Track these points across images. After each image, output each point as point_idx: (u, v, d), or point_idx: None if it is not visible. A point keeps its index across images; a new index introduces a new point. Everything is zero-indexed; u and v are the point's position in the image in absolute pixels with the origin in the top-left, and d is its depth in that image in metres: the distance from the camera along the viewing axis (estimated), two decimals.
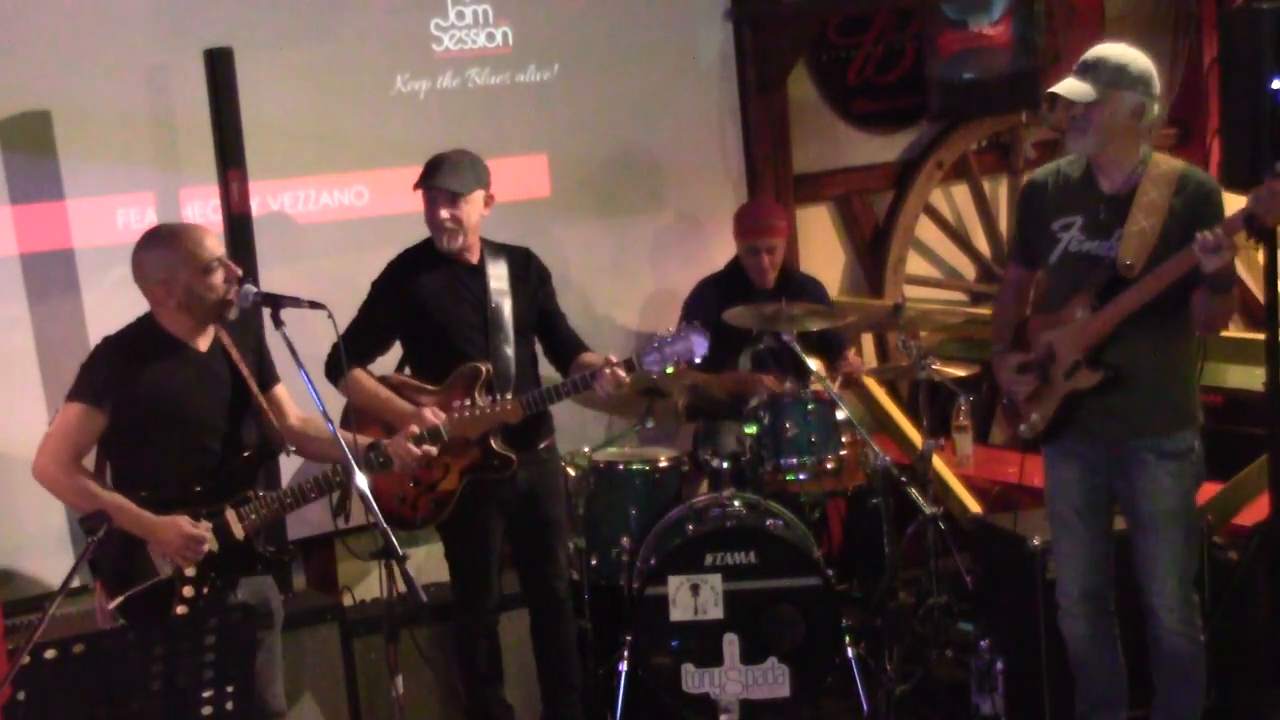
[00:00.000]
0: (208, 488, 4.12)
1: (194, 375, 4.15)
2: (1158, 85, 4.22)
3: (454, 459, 4.75)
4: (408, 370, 4.99)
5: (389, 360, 5.02)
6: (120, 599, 4.03)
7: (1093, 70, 4.18)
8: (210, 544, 4.06)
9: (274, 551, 4.22)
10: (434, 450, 4.41)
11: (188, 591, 4.06)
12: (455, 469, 4.78)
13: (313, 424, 4.37)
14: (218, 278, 4.10)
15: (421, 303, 4.82)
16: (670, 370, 4.77)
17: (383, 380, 4.87)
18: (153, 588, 4.05)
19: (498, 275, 4.89)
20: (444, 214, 4.77)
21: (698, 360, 4.77)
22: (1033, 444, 4.48)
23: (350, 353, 4.77)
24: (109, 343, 4.15)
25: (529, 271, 4.98)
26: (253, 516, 4.14)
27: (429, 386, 4.83)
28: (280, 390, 4.38)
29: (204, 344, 4.18)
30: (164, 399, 4.08)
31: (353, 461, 4.00)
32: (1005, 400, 4.52)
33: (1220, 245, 3.92)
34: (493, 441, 4.76)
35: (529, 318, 4.94)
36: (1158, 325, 4.20)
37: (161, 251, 4.10)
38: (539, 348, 5.07)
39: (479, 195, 4.82)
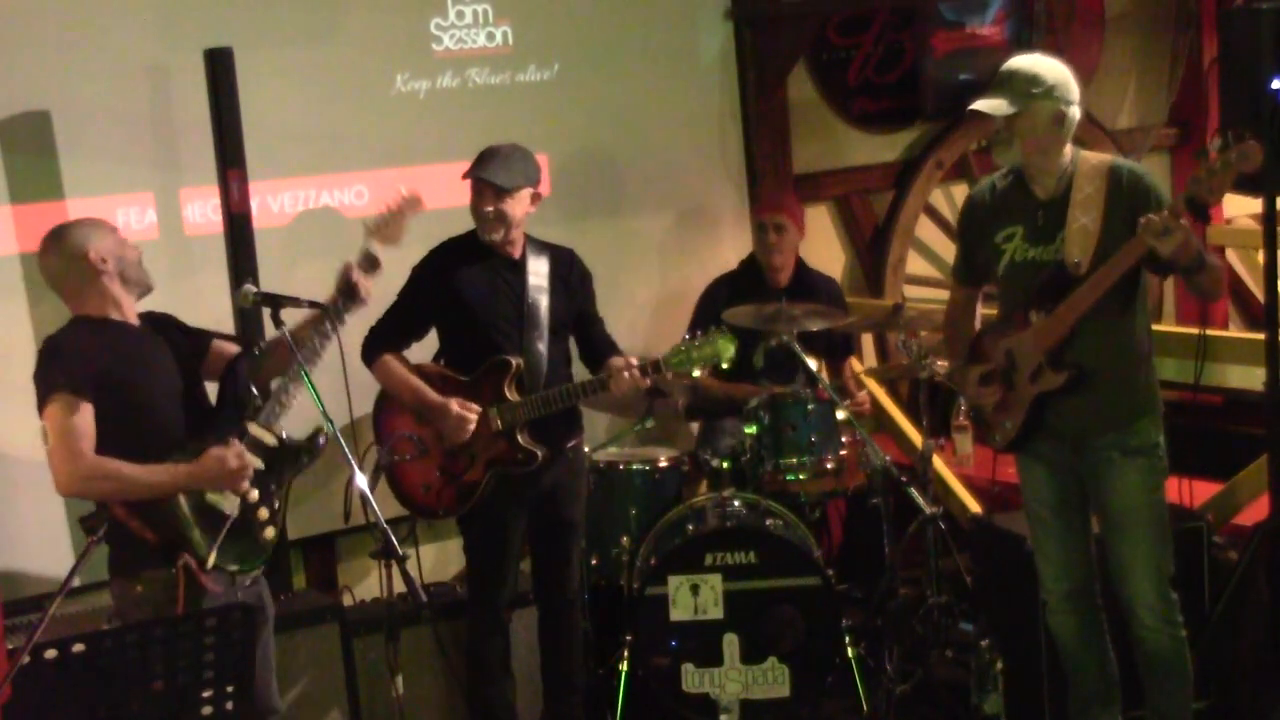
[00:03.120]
0: (217, 420, 4.13)
1: (143, 346, 4.14)
2: (1075, 91, 4.24)
3: (480, 450, 4.76)
4: (443, 360, 5.00)
5: (427, 348, 5.03)
6: (212, 554, 4.00)
7: (1007, 83, 4.22)
8: (255, 462, 4.08)
9: (306, 438, 4.22)
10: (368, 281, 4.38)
11: (262, 514, 4.11)
12: (481, 460, 4.80)
13: (262, 345, 4.38)
14: (130, 249, 4.14)
15: (459, 293, 4.83)
16: (697, 374, 4.84)
17: (416, 369, 4.88)
18: (231, 531, 4.05)
19: (538, 272, 4.91)
20: (488, 208, 4.79)
21: (725, 366, 4.81)
22: (1007, 450, 4.51)
23: (385, 338, 4.84)
24: (52, 338, 4.12)
25: (571, 272, 5.00)
26: (270, 418, 4.16)
27: (459, 377, 4.84)
28: (217, 343, 4.35)
29: (134, 319, 4.18)
30: (126, 372, 4.05)
31: (353, 463, 4.00)
32: (973, 413, 4.56)
33: (1168, 228, 3.94)
34: (519, 436, 4.78)
35: (565, 317, 4.96)
36: (1111, 319, 4.23)
37: (76, 234, 4.09)
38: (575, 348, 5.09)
39: (526, 193, 4.84)
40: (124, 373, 4.05)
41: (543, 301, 4.89)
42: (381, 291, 4.95)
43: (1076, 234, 4.19)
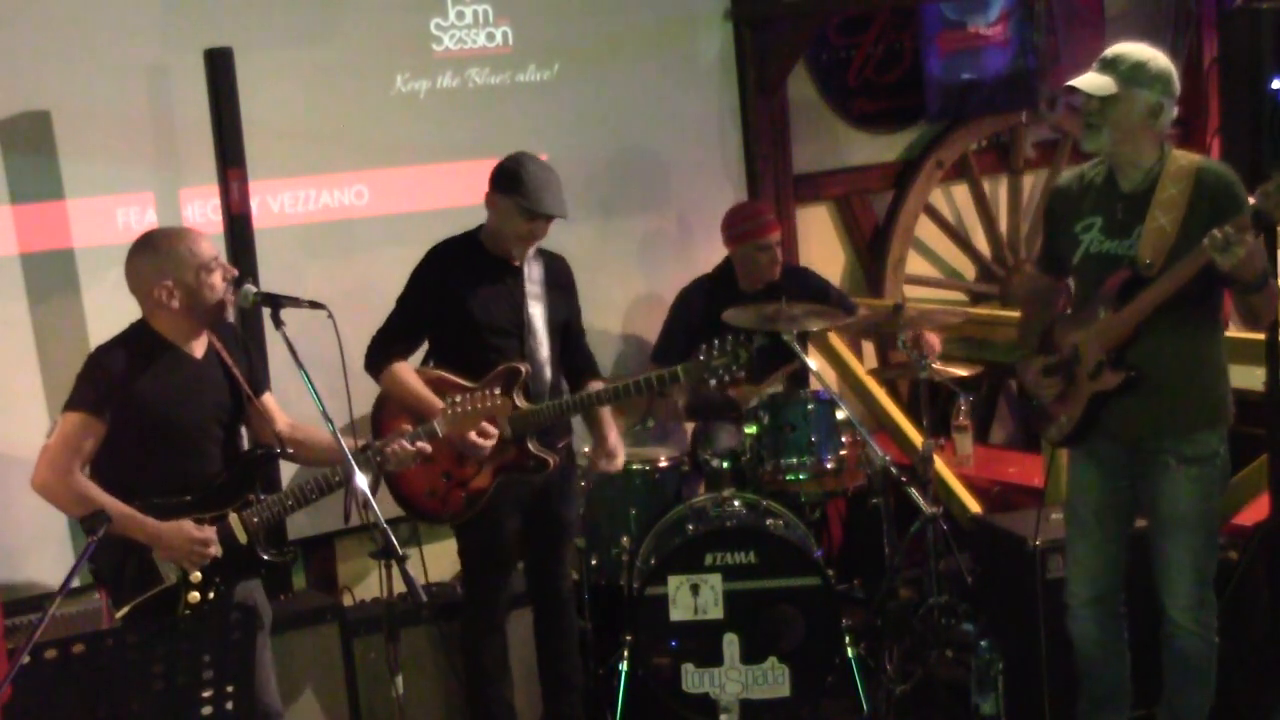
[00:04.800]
0: (209, 493, 4.12)
1: (192, 381, 4.14)
2: (1177, 86, 4.19)
3: (489, 458, 4.75)
4: (431, 363, 4.99)
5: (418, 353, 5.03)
6: (127, 608, 4.02)
7: (1111, 66, 4.16)
8: (215, 548, 4.06)
9: (276, 553, 4.22)
10: (428, 448, 4.41)
11: (193, 597, 4.05)
12: (489, 468, 4.79)
13: (302, 430, 4.39)
14: (216, 277, 4.11)
15: (459, 297, 4.81)
16: (713, 383, 4.87)
17: (419, 374, 4.87)
18: (158, 595, 4.05)
19: (534, 278, 4.91)
20: (540, 233, 4.81)
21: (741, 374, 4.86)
22: (1062, 445, 4.46)
23: (392, 345, 4.83)
24: (105, 350, 4.13)
25: (563, 279, 5.01)
26: (255, 520, 4.14)
27: (466, 383, 4.81)
28: (269, 397, 4.38)
29: (199, 350, 4.18)
30: (163, 405, 4.07)
31: (353, 463, 4.00)
32: (1034, 404, 4.49)
33: (1230, 242, 3.88)
34: (530, 444, 4.79)
35: (559, 323, 4.96)
36: (1179, 324, 4.17)
37: (158, 254, 4.09)
38: None
39: None
40: (159, 402, 4.07)
41: (539, 308, 4.89)
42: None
43: (1153, 234, 4.13)
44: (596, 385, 5.00)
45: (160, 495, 4.05)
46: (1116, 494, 4.37)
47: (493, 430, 4.64)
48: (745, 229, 5.90)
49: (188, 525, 4.04)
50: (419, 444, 4.37)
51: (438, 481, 4.81)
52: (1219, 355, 4.31)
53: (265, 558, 4.17)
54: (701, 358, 4.79)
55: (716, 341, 4.80)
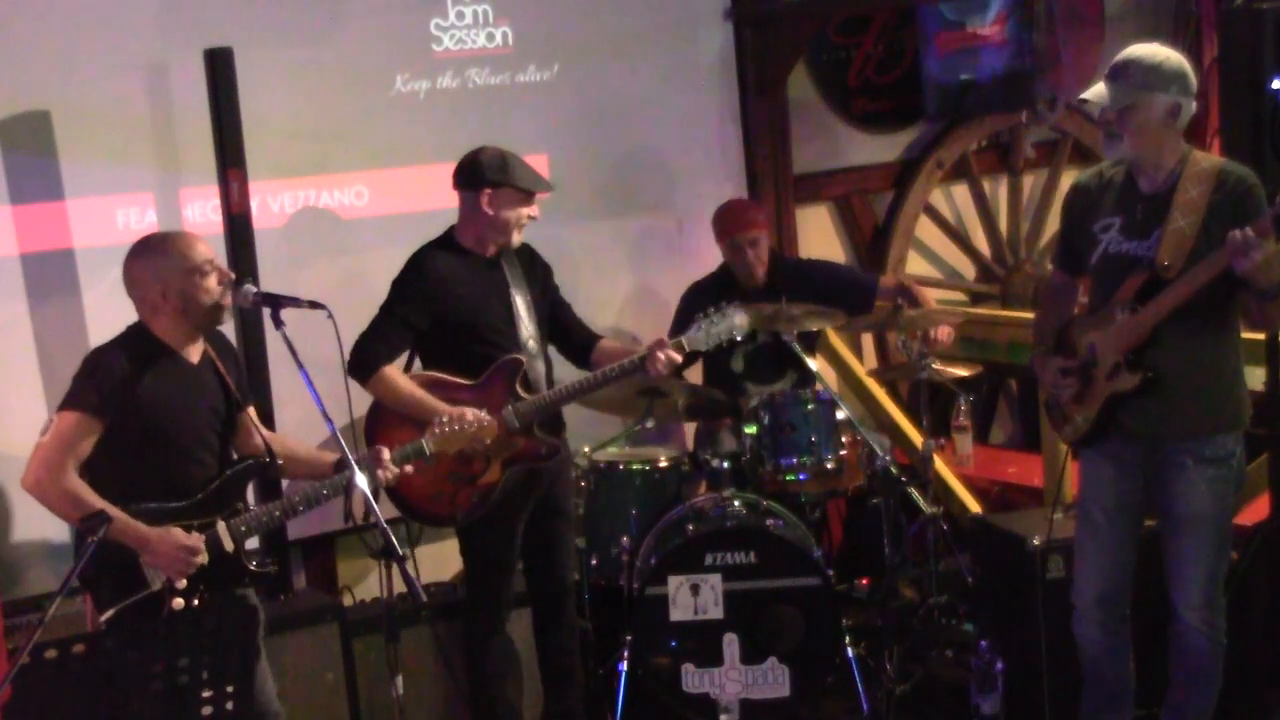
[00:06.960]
0: (199, 500, 4.10)
1: (189, 386, 4.13)
2: (1194, 82, 4.16)
3: (496, 451, 4.74)
4: (417, 364, 4.98)
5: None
6: (111, 612, 3.99)
7: (1124, 73, 4.13)
8: (202, 556, 4.05)
9: (260, 564, 4.20)
10: (410, 469, 4.38)
11: (177, 603, 4.01)
12: (497, 461, 4.78)
13: (278, 441, 4.37)
14: (211, 281, 4.10)
15: (450, 297, 4.81)
16: (712, 348, 4.91)
17: (413, 378, 4.87)
18: (143, 601, 4.02)
19: (511, 269, 4.92)
20: (536, 211, 4.84)
21: (739, 339, 4.87)
22: (1078, 445, 4.46)
23: (381, 350, 4.81)
24: (104, 351, 4.11)
25: (534, 266, 5.02)
26: (243, 529, 4.13)
27: (465, 381, 4.81)
28: (251, 411, 4.35)
29: (195, 355, 4.17)
30: (162, 410, 4.06)
31: (353, 462, 4.00)
32: (1050, 403, 4.49)
33: (1249, 245, 3.87)
34: (536, 432, 4.79)
35: (544, 311, 4.98)
36: (1198, 326, 4.16)
37: (154, 258, 4.09)
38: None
39: None
40: (158, 406, 4.05)
41: (523, 297, 4.91)
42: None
43: (1172, 236, 4.10)
44: (607, 344, 5.05)
45: (151, 500, 4.04)
46: (1130, 494, 4.36)
47: (488, 418, 4.57)
48: (721, 227, 5.92)
49: (176, 533, 4.01)
50: (406, 467, 4.34)
51: (444, 484, 4.79)
52: (1236, 358, 4.30)
53: (251, 568, 4.16)
54: (702, 322, 4.82)
55: (711, 309, 4.82)
